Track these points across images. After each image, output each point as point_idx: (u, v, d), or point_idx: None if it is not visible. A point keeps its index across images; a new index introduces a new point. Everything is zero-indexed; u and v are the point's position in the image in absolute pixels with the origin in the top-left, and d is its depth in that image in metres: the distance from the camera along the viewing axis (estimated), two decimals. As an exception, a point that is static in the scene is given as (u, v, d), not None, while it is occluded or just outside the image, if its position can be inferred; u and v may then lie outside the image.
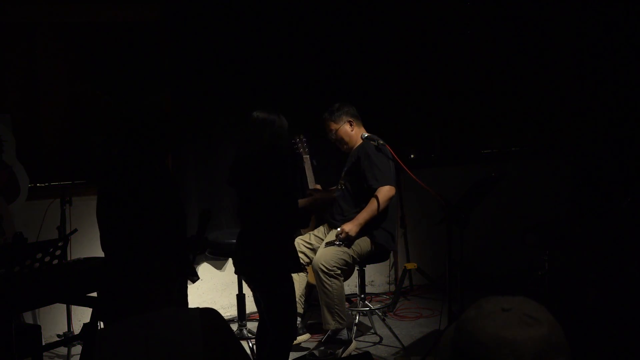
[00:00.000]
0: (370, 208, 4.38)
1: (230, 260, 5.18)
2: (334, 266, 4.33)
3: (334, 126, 4.60)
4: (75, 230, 3.77)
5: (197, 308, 2.25)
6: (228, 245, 4.55)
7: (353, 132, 4.62)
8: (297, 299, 4.46)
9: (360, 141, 4.61)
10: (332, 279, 4.33)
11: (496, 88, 6.30)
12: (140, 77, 5.00)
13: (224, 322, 2.26)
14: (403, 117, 5.88)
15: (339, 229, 4.37)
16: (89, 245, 4.56)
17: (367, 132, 4.65)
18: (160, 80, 5.00)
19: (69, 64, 4.90)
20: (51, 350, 4.43)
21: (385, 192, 4.39)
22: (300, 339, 4.51)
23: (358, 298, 4.82)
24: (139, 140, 3.15)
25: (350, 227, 4.35)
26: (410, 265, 5.57)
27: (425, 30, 5.98)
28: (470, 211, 3.96)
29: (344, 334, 4.44)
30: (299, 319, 4.52)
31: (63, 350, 4.47)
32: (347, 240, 4.37)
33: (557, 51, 6.43)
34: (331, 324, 4.38)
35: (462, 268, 3.95)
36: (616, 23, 6.18)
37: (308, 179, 4.86)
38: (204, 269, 5.13)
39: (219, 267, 5.23)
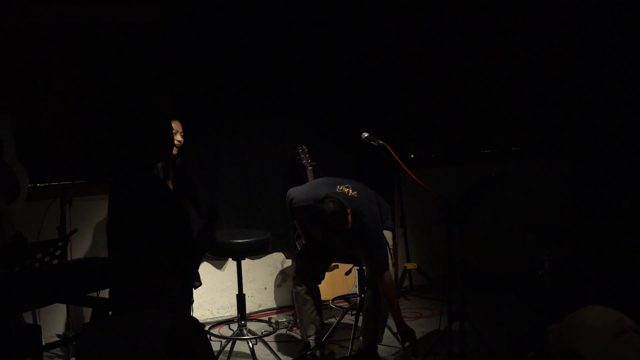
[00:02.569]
0: (394, 299, 4.13)
1: (230, 260, 5.19)
2: None
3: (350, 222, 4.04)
4: (75, 230, 3.78)
5: (172, 314, 2.27)
6: (228, 245, 4.55)
7: (349, 218, 4.02)
8: (316, 316, 4.35)
9: (351, 219, 4.03)
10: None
11: (496, 88, 6.30)
12: (140, 77, 5.00)
13: (199, 331, 2.29)
14: (403, 117, 5.88)
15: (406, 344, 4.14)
16: (89, 245, 4.57)
17: (368, 132, 4.65)
18: (160, 81, 5.00)
19: (69, 64, 4.90)
20: (51, 350, 4.43)
21: (390, 277, 4.13)
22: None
23: (358, 298, 4.82)
24: (143, 140, 3.16)
25: (408, 330, 4.11)
26: (410, 265, 5.57)
27: (425, 30, 5.98)
28: (470, 211, 3.95)
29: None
30: (313, 335, 4.37)
31: (63, 350, 4.47)
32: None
33: (558, 51, 6.43)
34: (381, 338, 4.34)
35: (462, 268, 3.95)
36: (616, 23, 6.18)
37: None
38: (204, 269, 5.13)
39: (219, 267, 5.23)
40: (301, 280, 4.31)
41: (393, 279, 4.28)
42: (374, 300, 4.23)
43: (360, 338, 4.38)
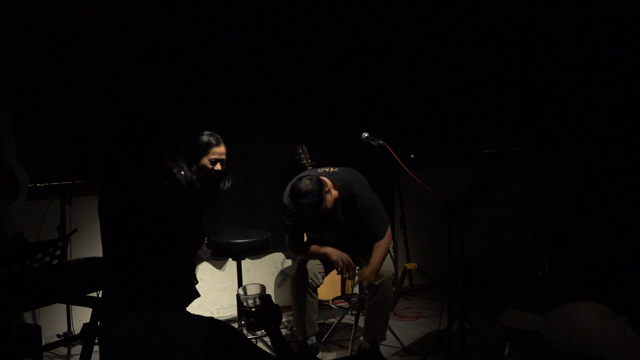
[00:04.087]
0: (383, 253, 4.23)
1: (230, 260, 5.19)
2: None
3: (322, 206, 4.11)
4: (75, 230, 3.77)
5: (210, 318, 2.23)
6: (228, 245, 4.56)
7: (332, 192, 4.19)
8: (314, 320, 4.35)
9: (336, 191, 4.21)
10: (394, 288, 4.29)
11: (496, 88, 6.30)
12: (139, 77, 5.00)
13: (239, 338, 2.23)
14: (403, 117, 5.88)
15: (361, 281, 4.16)
16: (89, 245, 4.56)
17: (368, 132, 4.65)
18: (159, 80, 5.00)
19: (69, 64, 4.90)
20: (51, 350, 4.43)
21: (389, 234, 4.31)
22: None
23: (358, 298, 4.82)
24: (138, 140, 3.16)
25: (372, 277, 4.17)
26: (410, 265, 5.56)
27: (425, 30, 5.98)
28: (470, 211, 3.96)
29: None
30: (314, 338, 4.41)
31: (63, 350, 4.47)
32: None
33: (557, 51, 6.43)
34: (384, 336, 4.33)
35: (462, 268, 3.95)
36: (616, 23, 6.18)
37: None
38: (204, 269, 5.13)
39: (219, 267, 5.23)
40: (304, 282, 4.29)
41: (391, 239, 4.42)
42: (379, 297, 4.21)
43: (361, 338, 4.37)
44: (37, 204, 4.46)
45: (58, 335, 4.61)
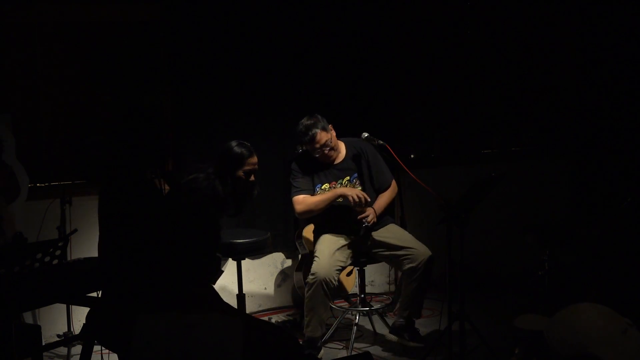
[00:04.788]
0: (388, 200, 4.60)
1: (230, 260, 5.19)
2: None
3: (327, 136, 4.39)
4: (75, 230, 3.77)
5: (240, 319, 2.21)
6: (228, 245, 4.55)
7: (339, 143, 4.60)
8: (324, 321, 4.33)
9: (342, 145, 4.59)
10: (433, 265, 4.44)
11: (496, 88, 6.30)
12: (140, 77, 5.00)
13: (273, 334, 2.21)
14: (403, 117, 5.88)
15: (366, 215, 4.36)
16: (89, 245, 4.56)
17: (368, 132, 4.65)
18: (160, 80, 5.00)
19: (69, 64, 4.90)
20: (51, 350, 4.43)
21: (395, 185, 4.63)
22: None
23: (358, 298, 4.82)
24: (138, 140, 3.16)
25: (374, 215, 4.43)
26: (410, 265, 5.56)
27: (425, 30, 5.98)
28: (470, 211, 3.96)
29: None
30: (319, 336, 4.37)
31: (63, 350, 4.47)
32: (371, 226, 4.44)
33: (557, 51, 6.43)
34: (420, 314, 4.53)
35: (462, 268, 3.95)
36: (616, 23, 6.18)
37: None
38: (204, 269, 5.13)
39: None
40: (323, 281, 4.21)
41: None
42: (422, 272, 4.38)
43: (396, 315, 4.57)
44: (37, 204, 4.46)
45: (58, 335, 4.61)
